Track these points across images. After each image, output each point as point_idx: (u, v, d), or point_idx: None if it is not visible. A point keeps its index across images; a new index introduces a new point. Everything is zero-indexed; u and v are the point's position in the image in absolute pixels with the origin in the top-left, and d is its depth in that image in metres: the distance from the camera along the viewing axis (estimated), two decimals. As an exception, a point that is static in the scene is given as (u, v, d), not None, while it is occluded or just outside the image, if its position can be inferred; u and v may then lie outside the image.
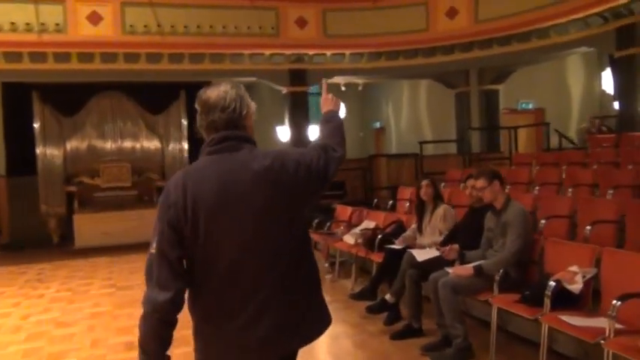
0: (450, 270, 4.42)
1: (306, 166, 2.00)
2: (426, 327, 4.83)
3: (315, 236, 8.05)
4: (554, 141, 12.26)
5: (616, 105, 9.20)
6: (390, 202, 8.56)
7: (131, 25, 9.85)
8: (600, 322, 3.41)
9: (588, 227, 4.74)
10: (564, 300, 3.73)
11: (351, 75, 11.89)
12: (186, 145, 11.73)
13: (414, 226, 5.76)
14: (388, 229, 6.45)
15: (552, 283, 3.66)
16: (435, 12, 10.75)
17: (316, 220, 8.25)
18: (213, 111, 1.97)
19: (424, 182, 5.55)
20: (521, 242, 4.22)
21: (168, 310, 1.85)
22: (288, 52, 10.92)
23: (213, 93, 1.99)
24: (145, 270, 1.92)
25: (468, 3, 10.40)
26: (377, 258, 6.09)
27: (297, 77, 11.19)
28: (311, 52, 11.06)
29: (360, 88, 15.08)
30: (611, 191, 5.79)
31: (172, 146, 11.88)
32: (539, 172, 7.78)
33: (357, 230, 7.18)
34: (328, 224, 8.07)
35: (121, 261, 9.18)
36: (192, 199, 1.88)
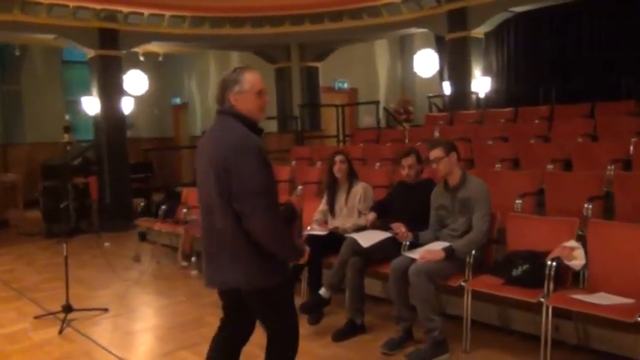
0: (412, 255, 3.89)
1: (239, 170, 2.40)
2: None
3: (166, 226, 6.83)
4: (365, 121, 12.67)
5: (446, 86, 9.69)
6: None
7: None
8: (610, 298, 3.25)
9: (519, 201, 4.65)
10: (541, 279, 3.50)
11: (170, 41, 10.49)
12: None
13: (322, 207, 5.08)
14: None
15: (551, 262, 3.39)
16: (267, -22, 10.02)
17: (163, 207, 7.00)
18: (217, 87, 2.59)
19: (338, 158, 4.89)
20: (489, 219, 3.91)
21: None
22: (97, 6, 9.09)
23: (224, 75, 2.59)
24: None
25: (302, -28, 9.92)
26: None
27: (109, 39, 9.39)
28: (125, 9, 9.38)
29: (160, 58, 13.60)
30: (498, 165, 5.90)
31: None
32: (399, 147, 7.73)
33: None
34: (164, 210, 6.89)
35: None
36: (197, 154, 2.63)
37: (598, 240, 3.54)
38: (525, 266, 3.60)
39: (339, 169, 4.87)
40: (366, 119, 13.30)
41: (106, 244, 8.11)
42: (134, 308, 5.28)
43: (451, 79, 9.29)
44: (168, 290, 5.74)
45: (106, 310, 5.05)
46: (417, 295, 3.71)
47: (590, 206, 4.26)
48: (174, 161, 14.67)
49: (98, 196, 9.66)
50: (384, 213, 4.57)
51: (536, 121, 7.52)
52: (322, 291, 4.29)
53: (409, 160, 4.45)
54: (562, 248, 3.47)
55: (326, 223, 4.99)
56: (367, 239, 4.24)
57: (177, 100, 15.53)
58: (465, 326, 3.81)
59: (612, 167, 4.98)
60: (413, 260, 3.85)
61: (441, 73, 10.55)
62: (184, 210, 6.66)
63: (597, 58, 8.08)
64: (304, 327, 4.35)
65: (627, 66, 7.70)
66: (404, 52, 13.83)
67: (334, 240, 4.61)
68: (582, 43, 8.32)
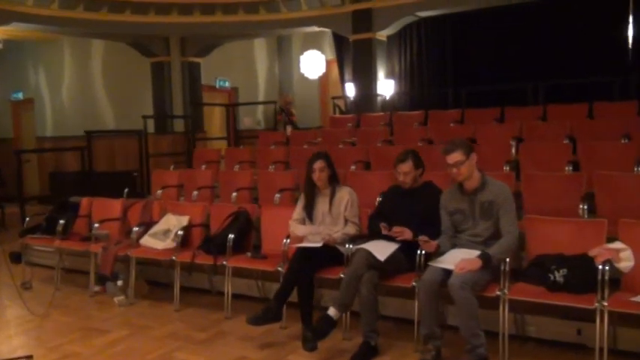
0: (447, 266, 3.53)
1: None
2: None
3: (73, 244, 5.68)
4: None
5: (350, 87, 9.49)
6: (159, 191, 6.67)
7: None
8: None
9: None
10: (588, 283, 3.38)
11: (35, 23, 8.87)
12: None
13: (297, 216, 4.49)
14: (226, 224, 4.95)
15: (603, 266, 3.27)
16: (155, -40, 8.96)
17: (61, 222, 5.78)
18: None
19: (317, 165, 4.33)
20: (516, 223, 3.72)
21: None
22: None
23: None
24: None
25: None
26: (244, 264, 4.61)
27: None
28: (-20, -19, 7.72)
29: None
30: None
31: None
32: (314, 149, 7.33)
33: (156, 229, 5.33)
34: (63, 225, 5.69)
35: None
36: None
37: (632, 239, 3.52)
38: (563, 271, 3.46)
39: (318, 177, 4.34)
40: (246, 121, 12.71)
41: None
42: (67, 351, 4.15)
43: (355, 80, 9.15)
44: (99, 324, 4.67)
45: (30, 357, 3.91)
46: (465, 310, 3.36)
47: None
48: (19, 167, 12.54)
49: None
50: (382, 221, 4.13)
51: (452, 125, 7.66)
52: (331, 311, 3.73)
53: (405, 167, 4.04)
54: (607, 250, 3.38)
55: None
56: (380, 251, 3.79)
57: (20, 95, 13.35)
58: (501, 339, 3.55)
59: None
60: (446, 272, 3.50)
61: (341, 74, 10.36)
62: (95, 224, 5.54)
63: (502, 64, 8.50)
64: (303, 356, 3.79)
65: (533, 72, 8.21)
66: (281, 52, 13.47)
67: (325, 253, 4.11)
68: (488, 49, 8.71)
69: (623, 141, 5.51)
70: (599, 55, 7.71)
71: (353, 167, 6.25)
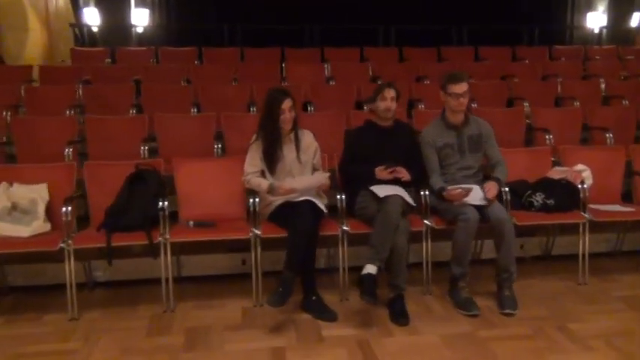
0: (480, 202, 3.48)
1: None
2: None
3: None
4: None
5: (90, 14, 7.55)
6: None
7: None
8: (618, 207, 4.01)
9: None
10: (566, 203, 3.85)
11: None
12: None
13: (252, 168, 3.65)
14: (125, 190, 3.65)
15: (582, 185, 3.81)
16: None
17: None
18: None
19: (287, 104, 3.58)
20: (498, 153, 3.93)
21: None
22: None
23: None
24: None
25: None
26: (193, 236, 3.54)
27: None
28: None
29: None
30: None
31: None
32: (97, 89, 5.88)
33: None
34: None
35: None
36: None
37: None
38: (539, 195, 3.88)
39: (289, 119, 3.60)
40: None
41: None
42: None
43: (100, 5, 7.48)
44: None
45: None
46: (512, 241, 3.44)
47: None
48: None
49: None
50: (360, 163, 3.73)
51: (240, 62, 7.21)
52: (371, 269, 3.22)
53: (392, 92, 3.76)
54: (576, 172, 3.95)
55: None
56: (405, 196, 3.48)
57: None
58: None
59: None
60: (478, 208, 3.48)
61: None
62: None
63: (278, 4, 8.20)
64: (337, 327, 3.27)
65: (311, 15, 8.17)
66: None
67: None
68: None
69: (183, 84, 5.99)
70: (367, 4, 8.35)
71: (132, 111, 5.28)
